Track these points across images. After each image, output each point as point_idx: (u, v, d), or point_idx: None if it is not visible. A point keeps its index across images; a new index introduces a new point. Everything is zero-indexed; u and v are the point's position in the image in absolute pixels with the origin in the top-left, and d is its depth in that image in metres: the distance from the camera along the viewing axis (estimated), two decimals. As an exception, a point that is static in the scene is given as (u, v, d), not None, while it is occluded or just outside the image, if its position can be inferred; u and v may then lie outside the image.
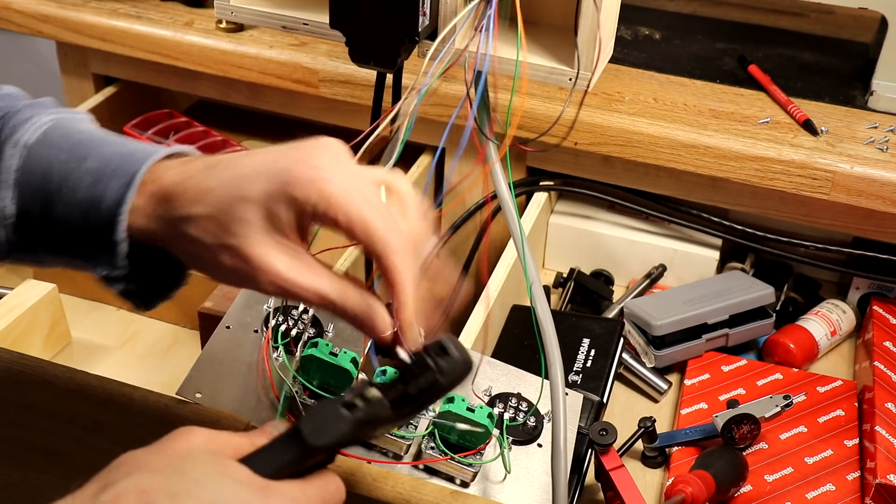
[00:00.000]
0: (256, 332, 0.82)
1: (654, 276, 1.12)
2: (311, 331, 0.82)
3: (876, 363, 0.95)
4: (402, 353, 0.55)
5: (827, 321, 1.04)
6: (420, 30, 0.72)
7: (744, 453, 0.87)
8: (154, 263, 0.60)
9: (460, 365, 0.53)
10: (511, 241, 1.03)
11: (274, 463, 0.50)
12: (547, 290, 1.11)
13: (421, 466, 0.75)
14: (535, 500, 0.76)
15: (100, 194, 0.57)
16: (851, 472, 0.87)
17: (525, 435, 0.79)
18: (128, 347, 1.03)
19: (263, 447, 0.51)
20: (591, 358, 0.94)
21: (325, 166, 0.54)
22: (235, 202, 0.54)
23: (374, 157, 0.84)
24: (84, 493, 0.48)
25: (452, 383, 0.54)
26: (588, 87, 0.74)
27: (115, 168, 0.57)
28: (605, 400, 0.91)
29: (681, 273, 1.12)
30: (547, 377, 0.74)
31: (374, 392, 0.52)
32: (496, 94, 0.73)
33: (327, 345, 0.75)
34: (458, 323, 0.92)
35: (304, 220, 0.55)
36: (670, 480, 0.83)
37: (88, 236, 0.58)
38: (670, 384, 0.99)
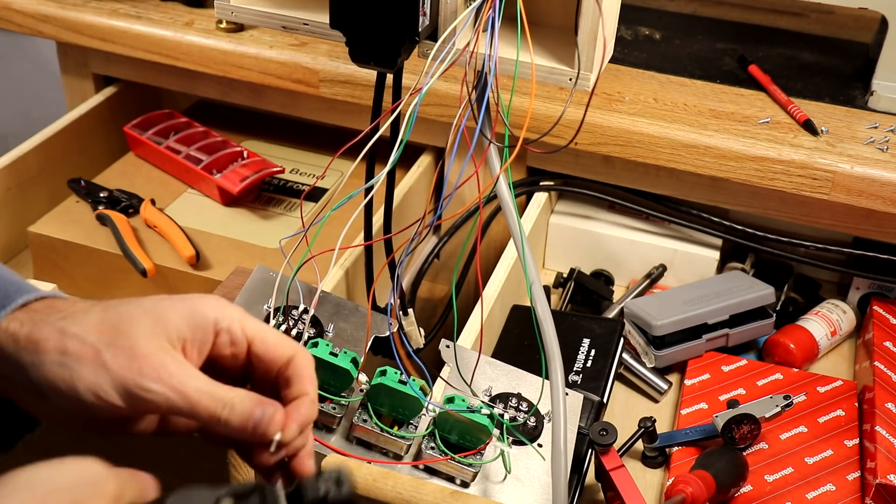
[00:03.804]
0: (256, 332, 0.82)
1: (654, 276, 1.12)
2: (312, 331, 0.82)
3: (876, 363, 0.95)
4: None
5: (827, 321, 1.04)
6: (420, 30, 0.73)
7: (744, 453, 0.87)
8: None
9: (348, 499, 0.51)
10: (511, 241, 1.03)
11: None
12: (547, 290, 1.11)
13: (421, 466, 0.75)
14: (535, 500, 0.76)
15: None
16: (851, 473, 0.87)
17: (525, 435, 0.79)
18: (128, 347, 1.03)
19: None
20: (591, 358, 0.94)
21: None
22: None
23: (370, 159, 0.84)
24: None
25: None
26: (592, 88, 0.74)
27: None
28: (605, 400, 0.91)
29: (681, 273, 1.12)
30: (547, 377, 0.74)
31: (248, 492, 0.49)
32: (497, 94, 0.73)
33: (327, 345, 0.75)
34: (457, 323, 0.92)
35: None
36: (670, 480, 0.83)
37: None
38: (670, 384, 0.99)
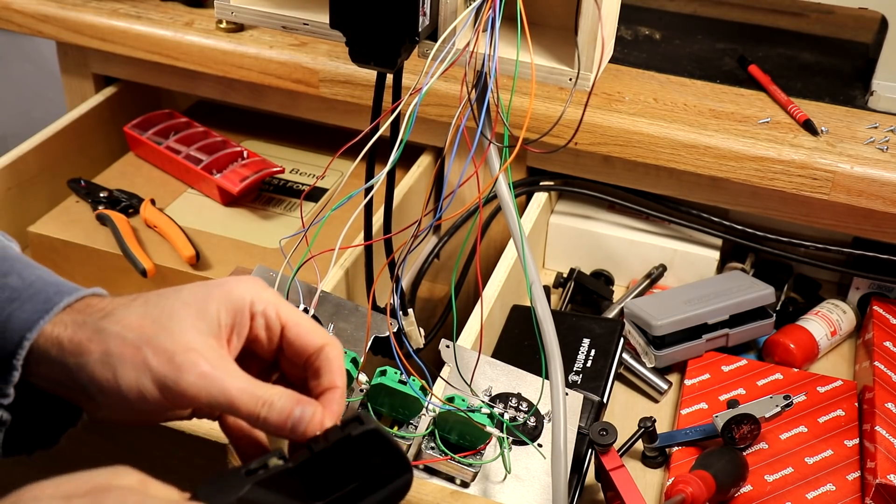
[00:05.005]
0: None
1: (654, 276, 1.12)
2: (312, 331, 0.82)
3: (876, 363, 0.95)
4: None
5: (827, 321, 1.04)
6: (420, 30, 0.73)
7: (744, 453, 0.87)
8: (39, 409, 0.58)
9: (372, 429, 0.52)
10: (511, 241, 1.03)
11: None
12: (547, 290, 1.11)
13: (421, 466, 0.75)
14: (535, 500, 0.76)
15: (10, 314, 0.54)
16: (851, 473, 0.87)
17: (525, 435, 0.79)
18: (128, 347, 1.03)
19: None
20: (591, 358, 0.94)
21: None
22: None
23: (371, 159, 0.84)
24: None
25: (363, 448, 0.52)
26: (591, 87, 0.74)
27: (35, 292, 0.56)
28: (605, 400, 0.91)
29: (681, 273, 1.12)
30: (547, 377, 0.74)
31: (276, 460, 0.51)
32: (496, 94, 0.73)
33: (327, 345, 0.75)
34: (457, 323, 0.92)
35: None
36: (670, 480, 0.83)
37: None
38: (670, 384, 0.99)
